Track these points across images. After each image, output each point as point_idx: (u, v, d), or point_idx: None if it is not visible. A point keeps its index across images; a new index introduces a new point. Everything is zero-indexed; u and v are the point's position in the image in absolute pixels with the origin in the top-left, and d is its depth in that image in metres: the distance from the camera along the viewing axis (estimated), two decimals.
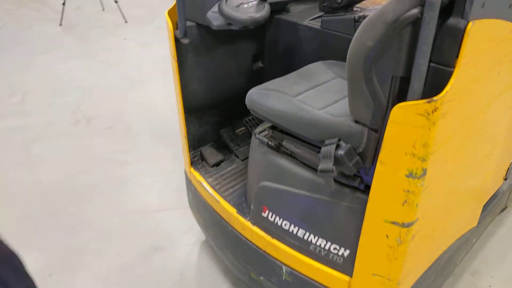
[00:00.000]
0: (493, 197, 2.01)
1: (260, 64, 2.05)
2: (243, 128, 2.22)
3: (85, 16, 5.93)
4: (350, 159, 1.15)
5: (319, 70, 1.59)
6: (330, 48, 1.72)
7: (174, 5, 1.65)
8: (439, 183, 1.22)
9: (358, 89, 1.10)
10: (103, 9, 6.10)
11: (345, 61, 1.74)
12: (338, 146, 1.17)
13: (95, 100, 3.70)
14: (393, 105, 1.05)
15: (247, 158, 2.00)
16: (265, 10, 1.52)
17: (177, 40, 1.69)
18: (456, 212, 1.55)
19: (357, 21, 1.57)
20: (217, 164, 1.95)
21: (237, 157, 2.01)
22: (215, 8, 1.55)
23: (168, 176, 2.70)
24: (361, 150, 1.16)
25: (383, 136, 1.10)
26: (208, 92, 1.90)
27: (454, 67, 1.02)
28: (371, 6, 1.62)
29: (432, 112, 0.99)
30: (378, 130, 1.12)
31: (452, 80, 1.00)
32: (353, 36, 1.66)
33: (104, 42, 5.03)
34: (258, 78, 2.07)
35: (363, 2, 1.66)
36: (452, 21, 1.00)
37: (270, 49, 1.98)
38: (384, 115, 1.10)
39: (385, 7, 0.98)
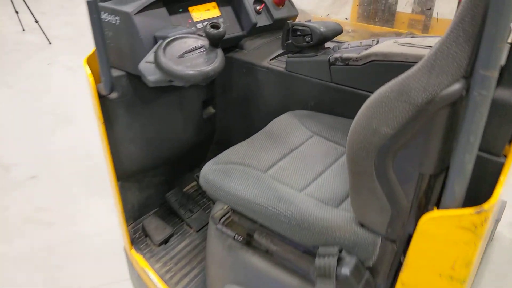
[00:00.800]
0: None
1: (211, 110, 1.69)
2: (194, 183, 1.85)
3: (2, 38, 5.27)
4: (359, 280, 0.82)
5: (289, 126, 1.26)
6: (298, 95, 1.39)
7: (94, 51, 1.26)
8: None
9: (366, 187, 0.77)
10: (23, 30, 5.46)
11: (317, 110, 1.44)
12: (339, 259, 0.83)
13: (14, 143, 3.15)
14: (420, 211, 0.74)
15: (203, 227, 1.63)
16: (218, 60, 1.16)
17: (101, 96, 1.30)
18: None
19: (333, 64, 1.25)
20: (166, 241, 1.56)
21: (190, 226, 1.63)
22: (150, 56, 1.17)
23: (108, 237, 2.25)
24: (371, 265, 0.84)
25: (403, 248, 0.78)
26: (148, 152, 1.51)
27: (505, 155, 0.72)
28: (347, 43, 1.30)
29: (481, 224, 0.68)
30: (396, 240, 0.80)
31: (502, 177, 0.70)
32: (327, 81, 1.38)
33: (25, 68, 4.44)
34: (210, 126, 1.71)
35: (337, 36, 1.34)
36: (501, 94, 0.70)
37: (223, 92, 1.63)
38: (405, 222, 0.77)
39: (408, 80, 0.65)
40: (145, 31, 1.23)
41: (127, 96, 1.35)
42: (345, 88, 1.26)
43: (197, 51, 1.17)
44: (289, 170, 1.08)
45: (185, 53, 1.15)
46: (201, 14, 1.42)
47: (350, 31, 1.91)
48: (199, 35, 1.25)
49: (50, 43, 5.05)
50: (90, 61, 1.29)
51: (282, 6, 1.60)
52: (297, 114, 1.32)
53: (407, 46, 1.13)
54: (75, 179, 2.76)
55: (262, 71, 1.44)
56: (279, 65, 1.41)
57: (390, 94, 0.67)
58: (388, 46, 1.16)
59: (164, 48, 1.12)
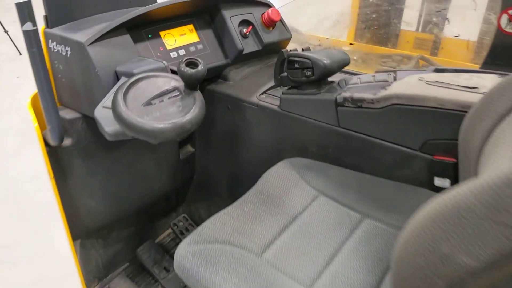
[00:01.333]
0: None
1: (190, 149, 1.43)
2: (169, 231, 1.58)
3: None
4: None
5: (287, 182, 1.01)
6: (296, 139, 1.14)
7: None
8: None
9: None
10: None
11: (320, 158, 1.17)
12: None
13: None
14: None
15: None
16: (196, 108, 0.89)
17: (49, 144, 1.04)
18: None
19: (341, 105, 1.00)
20: None
21: None
22: (109, 100, 0.91)
23: (78, 279, 1.97)
24: None
25: None
26: (112, 206, 1.25)
27: None
28: (356, 77, 1.06)
29: None
30: None
31: None
32: (333, 125, 1.08)
33: None
34: (188, 167, 1.45)
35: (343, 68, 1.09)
36: None
37: (202, 129, 1.37)
38: None
39: (508, 188, 0.40)
40: (103, 65, 0.97)
41: (83, 143, 1.09)
42: (356, 134, 1.01)
43: (168, 95, 0.90)
44: (292, 251, 0.83)
45: (153, 99, 0.88)
46: (175, 40, 1.15)
47: (355, 58, 1.68)
48: (172, 71, 0.98)
49: (20, 54, 4.72)
50: (34, 103, 1.03)
51: (273, 28, 1.34)
52: (296, 164, 1.07)
53: (438, 86, 0.89)
54: (41, 210, 2.45)
55: (250, 108, 1.18)
56: (271, 101, 1.16)
57: (475, 207, 0.41)
58: (412, 85, 0.92)
59: (125, 92, 0.86)
